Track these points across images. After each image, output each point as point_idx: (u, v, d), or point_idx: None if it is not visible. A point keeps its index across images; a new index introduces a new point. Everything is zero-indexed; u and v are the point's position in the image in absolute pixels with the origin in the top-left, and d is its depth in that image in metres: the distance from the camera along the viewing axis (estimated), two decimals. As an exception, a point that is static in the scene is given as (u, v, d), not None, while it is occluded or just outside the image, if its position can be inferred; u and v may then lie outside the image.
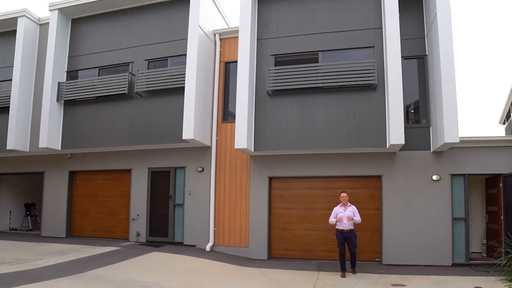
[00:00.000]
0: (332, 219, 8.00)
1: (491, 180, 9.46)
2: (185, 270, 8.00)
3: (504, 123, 19.89)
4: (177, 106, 9.81)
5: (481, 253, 9.98)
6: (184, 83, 9.65)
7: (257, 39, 9.64)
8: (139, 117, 10.44)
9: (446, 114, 8.07)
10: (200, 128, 9.74)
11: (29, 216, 13.92)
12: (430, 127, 9.07)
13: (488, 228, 9.70)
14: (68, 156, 11.88)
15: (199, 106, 9.68)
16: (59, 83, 11.09)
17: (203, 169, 10.46)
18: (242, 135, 8.91)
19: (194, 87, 9.42)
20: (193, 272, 7.89)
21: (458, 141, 8.00)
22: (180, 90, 9.78)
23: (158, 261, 8.63)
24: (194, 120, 9.37)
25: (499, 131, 20.41)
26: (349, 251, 7.94)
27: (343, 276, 7.73)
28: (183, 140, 9.64)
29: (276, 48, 9.58)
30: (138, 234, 10.90)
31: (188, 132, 9.38)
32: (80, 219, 11.96)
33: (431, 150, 9.01)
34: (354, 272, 7.98)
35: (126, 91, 10.40)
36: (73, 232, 11.97)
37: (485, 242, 9.83)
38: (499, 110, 20.11)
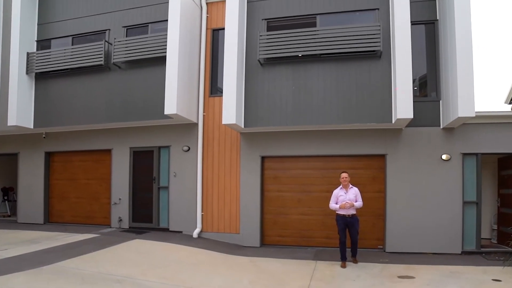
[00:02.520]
0: (333, 205, 7.13)
1: (505, 160, 8.61)
2: (168, 260, 7.16)
3: (510, 103, 19.05)
4: (160, 79, 8.80)
5: (490, 239, 9.23)
6: (166, 52, 8.60)
7: (247, 1, 8.59)
8: (117, 91, 9.43)
9: (461, 85, 7.15)
10: (184, 103, 8.75)
11: (6, 201, 13.01)
12: (440, 101, 8.15)
13: (499, 213, 8.92)
14: (43, 136, 10.88)
15: (183, 78, 8.66)
16: (28, 53, 9.98)
17: (189, 148, 9.52)
18: (231, 109, 7.94)
19: (177, 56, 8.39)
20: (176, 262, 7.05)
21: (474, 115, 7.11)
22: (162, 61, 8.73)
23: (139, 250, 7.78)
24: (177, 93, 8.37)
25: (505, 111, 19.48)
26: (350, 238, 7.10)
27: (344, 266, 6.92)
28: (166, 116, 8.67)
29: (269, 11, 8.51)
30: (120, 220, 10.05)
31: (171, 106, 8.39)
32: (59, 204, 11.07)
33: (441, 127, 8.13)
34: (355, 261, 7.16)
35: (102, 62, 9.33)
36: (52, 218, 11.10)
37: (496, 228, 9.06)
38: (505, 89, 19.24)
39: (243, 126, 8.35)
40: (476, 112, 7.23)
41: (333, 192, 7.20)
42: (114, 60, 9.26)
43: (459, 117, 7.12)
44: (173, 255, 7.58)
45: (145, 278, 5.91)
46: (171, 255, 7.52)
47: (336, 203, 7.07)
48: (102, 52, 9.33)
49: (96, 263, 6.57)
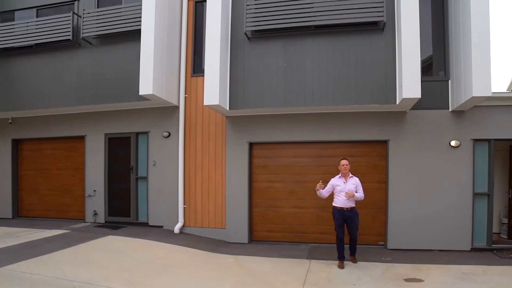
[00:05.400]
0: (320, 190, 6.19)
1: (519, 147, 7.81)
2: (140, 261, 6.22)
3: (514, 90, 18.35)
4: (135, 56, 7.80)
5: (499, 234, 8.45)
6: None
7: (233, -33, 7.56)
8: (88, 70, 8.39)
9: (475, 62, 6.26)
10: (162, 82, 7.76)
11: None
12: (449, 81, 7.26)
13: (510, 205, 8.14)
14: (9, 121, 9.83)
15: (160, 54, 7.68)
16: (-14, 27, 8.92)
17: (169, 134, 8.56)
18: (214, 88, 6.98)
19: (152, 28, 7.39)
20: (148, 263, 6.11)
21: (491, 94, 6.23)
22: (138, 35, 7.72)
23: (110, 248, 6.86)
24: (153, 71, 7.39)
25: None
26: (349, 234, 6.23)
27: (341, 266, 6.05)
28: (142, 97, 7.69)
29: (258, -23, 7.50)
30: (95, 214, 9.11)
31: (146, 86, 7.41)
32: (29, 197, 10.08)
33: (450, 109, 7.27)
34: (354, 260, 6.32)
35: (70, 37, 8.30)
36: (22, 212, 10.13)
37: (506, 222, 8.29)
38: (507, 76, 18.52)
39: (228, 108, 7.40)
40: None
41: (330, 181, 6.32)
42: (84, 35, 8.21)
43: (473, 97, 6.24)
44: (148, 254, 6.66)
45: (107, 284, 4.98)
46: (145, 255, 6.60)
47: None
48: (70, 26, 8.28)
49: (54, 266, 5.63)
